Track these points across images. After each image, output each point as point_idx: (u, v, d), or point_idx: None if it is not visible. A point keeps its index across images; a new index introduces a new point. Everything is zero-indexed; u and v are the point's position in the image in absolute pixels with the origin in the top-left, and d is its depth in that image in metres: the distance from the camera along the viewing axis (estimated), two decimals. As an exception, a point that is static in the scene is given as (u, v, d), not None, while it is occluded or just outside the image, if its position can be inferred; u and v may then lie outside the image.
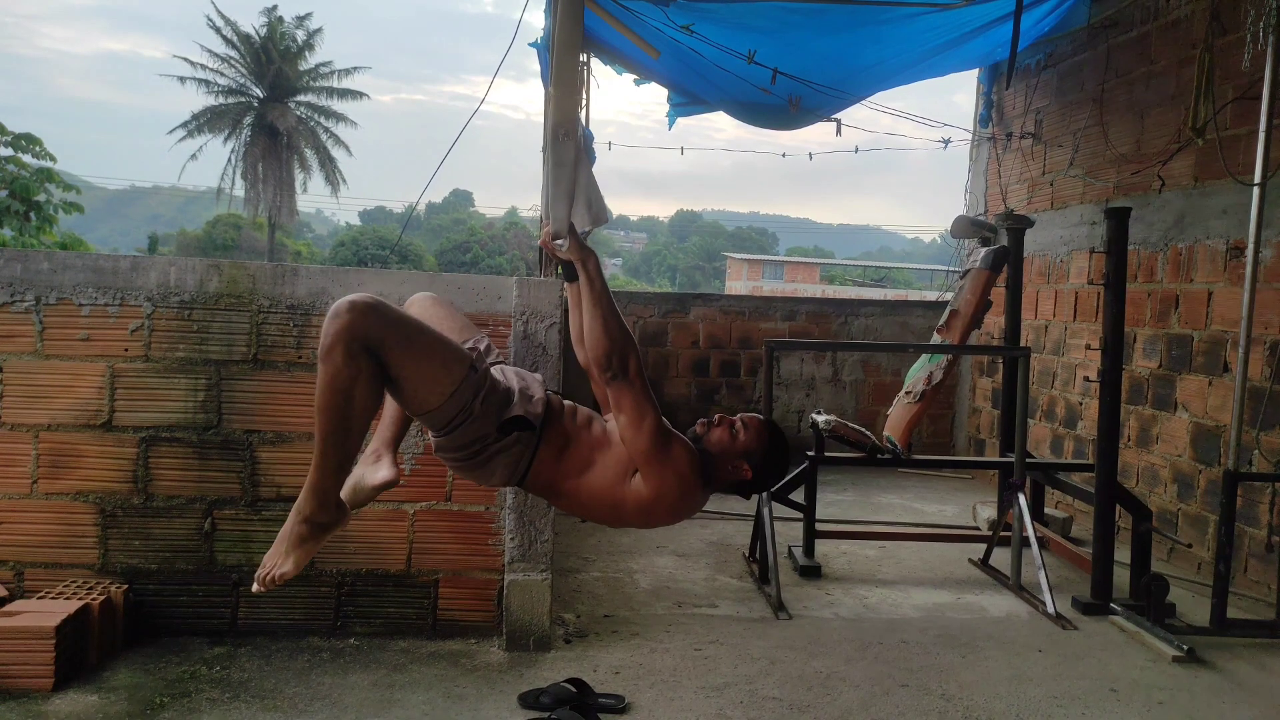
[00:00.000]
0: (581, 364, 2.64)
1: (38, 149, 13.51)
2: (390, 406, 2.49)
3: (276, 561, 2.34)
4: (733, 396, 8.25)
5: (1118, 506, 4.73)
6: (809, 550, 5.11)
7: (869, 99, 7.06)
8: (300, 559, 2.34)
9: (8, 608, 3.37)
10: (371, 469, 2.48)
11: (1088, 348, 5.18)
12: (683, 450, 2.34)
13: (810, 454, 5.12)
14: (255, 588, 2.35)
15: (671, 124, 7.48)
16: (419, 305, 2.63)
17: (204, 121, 40.85)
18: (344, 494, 2.37)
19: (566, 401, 2.53)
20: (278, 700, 3.25)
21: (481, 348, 2.53)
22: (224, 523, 3.74)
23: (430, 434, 2.41)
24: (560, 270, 2.59)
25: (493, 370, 2.41)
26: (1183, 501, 5.41)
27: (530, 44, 6.32)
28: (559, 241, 2.37)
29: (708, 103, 7.27)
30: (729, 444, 2.44)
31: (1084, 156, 6.56)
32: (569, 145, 2.33)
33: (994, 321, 6.97)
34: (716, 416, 2.51)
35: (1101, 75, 6.32)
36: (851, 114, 7.20)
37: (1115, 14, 6.16)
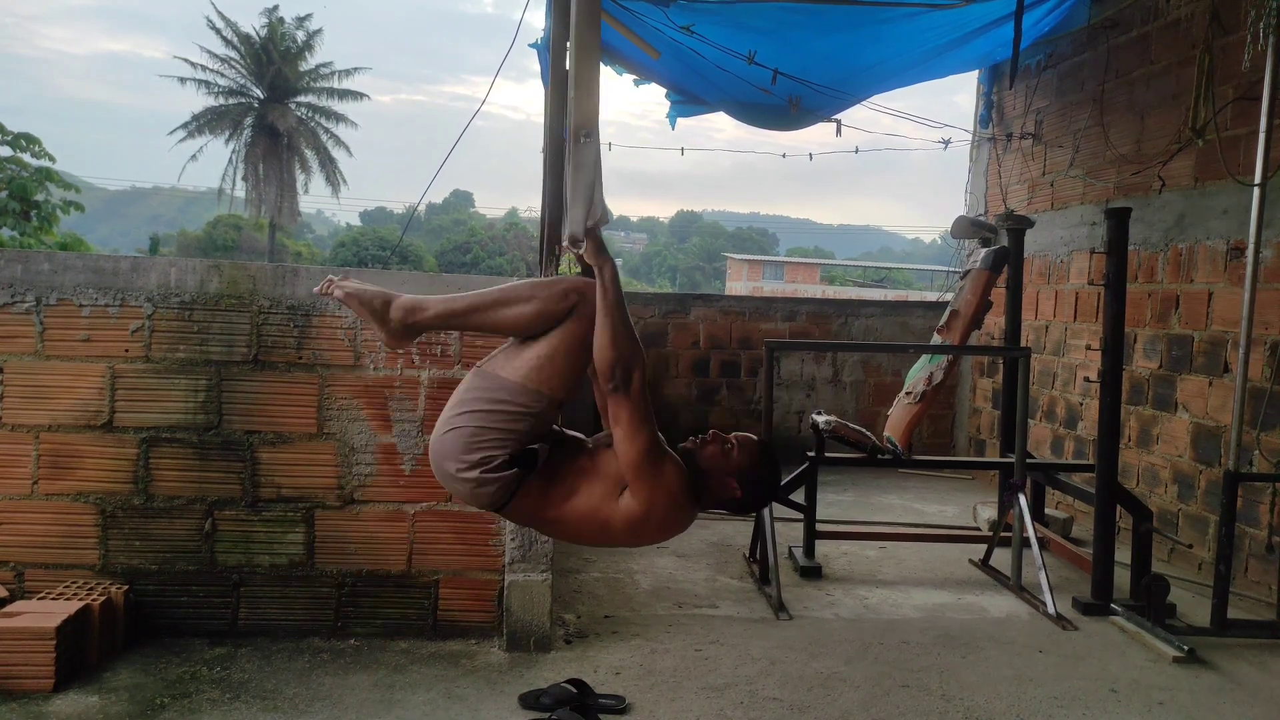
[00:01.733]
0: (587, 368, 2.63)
1: (37, 149, 13.49)
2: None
3: (353, 282, 2.49)
4: (733, 397, 8.25)
5: (1118, 507, 4.73)
6: (809, 551, 5.11)
7: (869, 100, 7.07)
8: (362, 304, 2.45)
9: (8, 608, 3.37)
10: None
11: (1088, 348, 5.18)
12: (674, 469, 2.34)
13: (810, 454, 5.12)
14: (321, 288, 2.50)
15: (672, 124, 7.48)
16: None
17: (204, 122, 40.86)
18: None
19: (569, 433, 2.54)
20: (278, 701, 3.25)
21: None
22: (224, 523, 3.74)
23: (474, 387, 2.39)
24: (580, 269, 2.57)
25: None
26: (1183, 502, 5.41)
27: (530, 45, 6.33)
28: (575, 247, 2.36)
29: (708, 103, 7.27)
30: (721, 461, 2.42)
31: (1084, 157, 6.56)
32: (590, 147, 2.31)
33: (994, 322, 6.97)
34: (710, 433, 2.48)
35: (1102, 75, 6.32)
36: (851, 114, 7.21)
37: (1115, 14, 6.16)
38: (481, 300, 2.43)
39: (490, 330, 2.49)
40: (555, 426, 2.50)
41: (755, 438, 2.49)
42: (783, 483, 5.04)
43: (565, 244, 2.42)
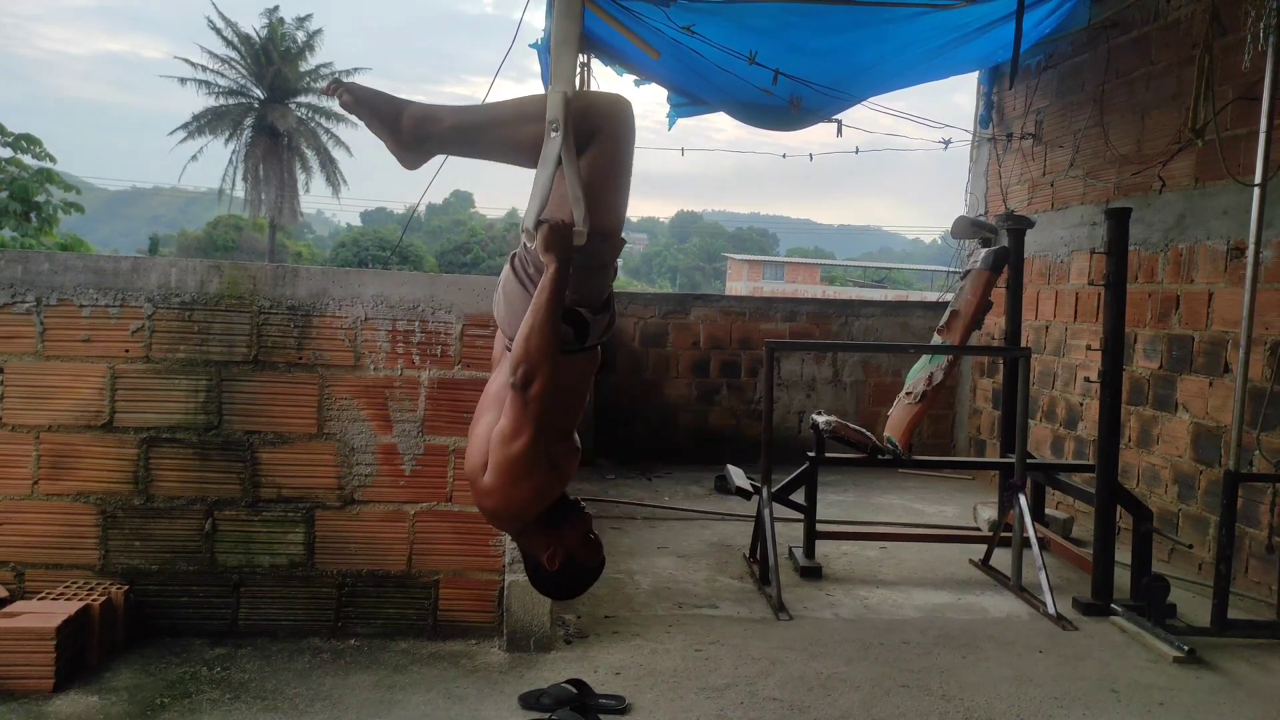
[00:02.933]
0: None
1: (38, 150, 13.51)
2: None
3: (350, 83, 2.33)
4: (733, 397, 8.25)
5: (1118, 507, 4.73)
6: (810, 551, 5.11)
7: (869, 100, 7.07)
8: (372, 112, 2.32)
9: (8, 609, 3.37)
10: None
11: (1088, 348, 5.18)
12: (537, 485, 2.22)
13: (811, 455, 5.12)
14: (328, 86, 2.35)
15: (672, 124, 7.48)
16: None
17: (205, 123, 40.86)
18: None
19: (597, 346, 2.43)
20: (278, 701, 3.25)
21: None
22: (225, 523, 3.74)
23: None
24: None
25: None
26: (1183, 502, 5.41)
27: (530, 45, 6.33)
28: (528, 239, 2.29)
29: (708, 103, 7.27)
30: (572, 537, 2.33)
31: (1084, 157, 6.56)
32: (554, 143, 2.29)
33: (994, 322, 6.96)
34: (589, 517, 2.41)
35: (1102, 76, 6.32)
36: (852, 115, 7.21)
37: (1115, 15, 6.16)
38: (499, 112, 2.33)
39: (509, 150, 2.37)
40: (581, 313, 2.35)
41: (603, 558, 2.44)
42: (784, 482, 5.05)
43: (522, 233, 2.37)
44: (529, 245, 2.26)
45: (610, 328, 2.44)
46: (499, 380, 2.37)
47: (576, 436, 2.41)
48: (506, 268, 2.39)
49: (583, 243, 2.28)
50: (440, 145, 2.38)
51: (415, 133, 2.33)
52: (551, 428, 2.23)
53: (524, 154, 2.34)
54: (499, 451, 2.19)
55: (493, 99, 2.63)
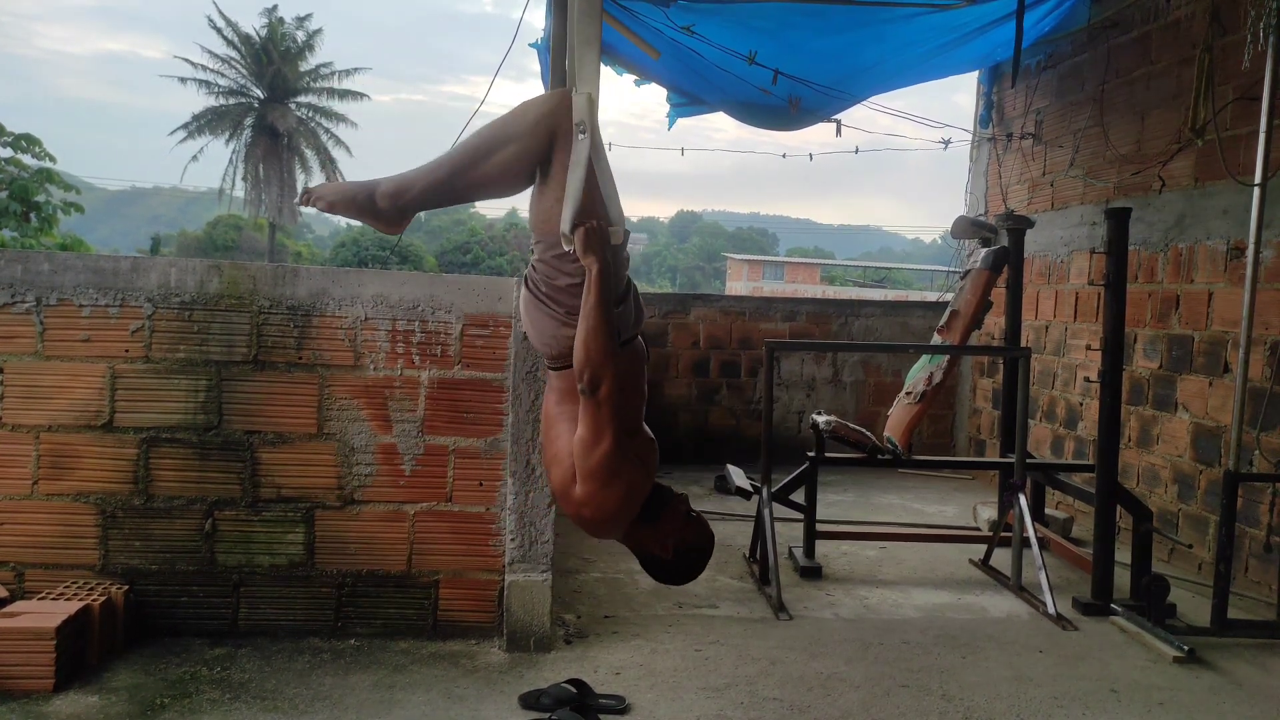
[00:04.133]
0: None
1: (37, 149, 13.52)
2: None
3: (329, 187, 2.44)
4: (733, 397, 8.25)
5: (1118, 507, 4.73)
6: (809, 551, 5.11)
7: (869, 100, 7.07)
8: (348, 205, 2.40)
9: (8, 609, 3.37)
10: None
11: (1088, 348, 5.18)
12: (629, 484, 2.24)
13: (810, 454, 5.12)
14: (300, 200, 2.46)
15: (671, 124, 7.48)
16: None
17: (205, 122, 40.87)
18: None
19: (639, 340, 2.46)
20: (278, 701, 3.25)
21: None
22: (224, 523, 3.74)
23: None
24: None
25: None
26: (1183, 502, 5.41)
27: (530, 44, 6.33)
28: (565, 243, 2.30)
29: (708, 103, 7.27)
30: (676, 524, 2.35)
31: (1084, 157, 6.56)
32: (582, 144, 2.29)
33: (994, 322, 6.96)
34: (684, 497, 2.42)
35: (1102, 76, 6.32)
36: (852, 114, 7.21)
37: (1115, 14, 6.16)
38: (462, 158, 2.37)
39: (486, 190, 2.42)
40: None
41: (711, 535, 2.45)
42: (784, 482, 5.05)
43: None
44: (568, 249, 2.26)
45: (640, 316, 2.45)
46: (553, 396, 2.41)
47: (648, 428, 2.42)
48: (523, 290, 2.43)
49: (619, 241, 2.28)
50: (419, 208, 2.46)
51: (393, 207, 2.41)
52: (624, 425, 2.25)
53: (498, 187, 2.39)
54: (584, 459, 2.21)
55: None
